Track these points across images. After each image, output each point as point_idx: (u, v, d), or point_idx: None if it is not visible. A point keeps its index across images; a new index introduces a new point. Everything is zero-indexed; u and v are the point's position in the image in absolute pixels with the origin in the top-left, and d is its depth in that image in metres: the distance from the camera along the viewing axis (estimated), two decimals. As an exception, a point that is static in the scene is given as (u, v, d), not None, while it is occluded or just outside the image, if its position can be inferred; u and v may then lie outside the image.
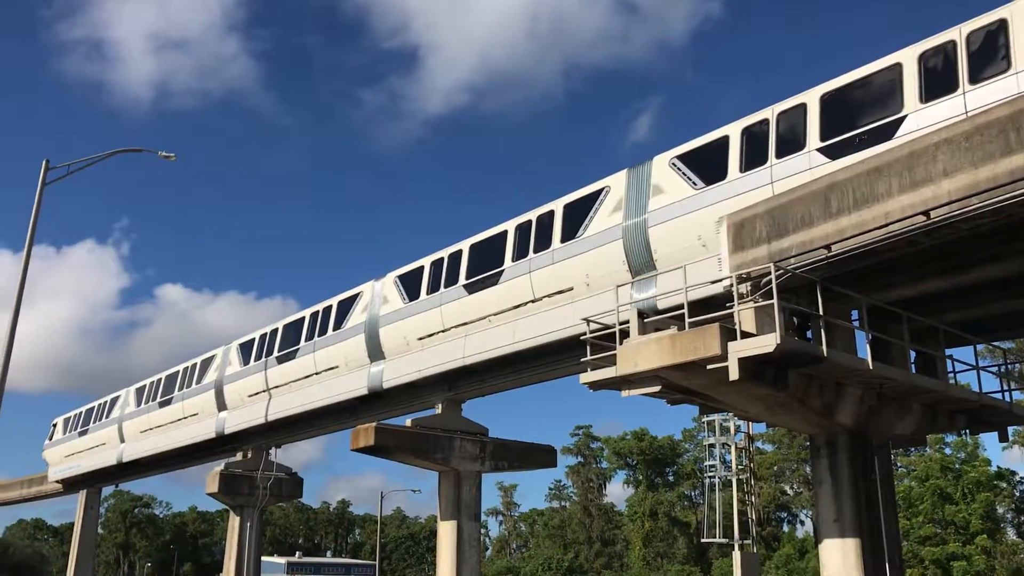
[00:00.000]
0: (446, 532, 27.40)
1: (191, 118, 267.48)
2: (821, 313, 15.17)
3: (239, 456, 38.55)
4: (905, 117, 16.40)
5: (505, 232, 24.98)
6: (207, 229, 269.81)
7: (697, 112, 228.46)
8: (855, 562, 16.06)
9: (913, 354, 17.59)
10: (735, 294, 15.20)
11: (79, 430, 50.44)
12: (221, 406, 37.53)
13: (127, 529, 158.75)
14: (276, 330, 34.75)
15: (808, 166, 17.57)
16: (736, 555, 24.86)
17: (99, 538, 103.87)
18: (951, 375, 18.61)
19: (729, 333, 14.47)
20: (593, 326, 17.38)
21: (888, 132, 16.49)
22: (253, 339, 36.29)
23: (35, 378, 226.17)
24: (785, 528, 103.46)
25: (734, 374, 14.14)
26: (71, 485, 53.37)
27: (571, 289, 22.66)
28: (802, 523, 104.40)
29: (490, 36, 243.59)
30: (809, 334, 16.50)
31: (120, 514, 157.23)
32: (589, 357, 16.81)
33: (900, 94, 16.61)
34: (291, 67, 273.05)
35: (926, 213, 13.38)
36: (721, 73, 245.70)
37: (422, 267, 27.91)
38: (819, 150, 17.63)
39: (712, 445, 27.73)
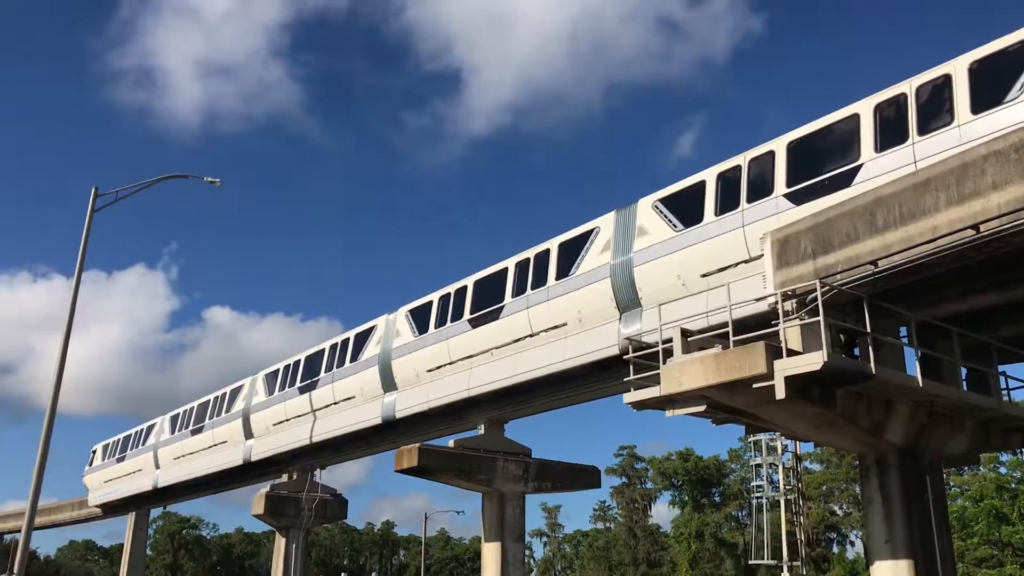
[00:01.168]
0: (490, 553, 27.29)
1: (237, 143, 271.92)
2: (868, 330, 14.92)
3: (284, 478, 38.85)
4: (862, 165, 17.35)
5: (506, 269, 26.11)
6: (253, 252, 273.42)
7: (740, 129, 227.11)
8: (908, 584, 15.69)
9: (964, 371, 17.22)
10: (780, 311, 15.01)
11: (117, 456, 52.30)
12: (248, 434, 39.04)
13: (175, 550, 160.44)
14: (298, 361, 36.08)
15: (775, 211, 18.58)
16: (785, 577, 24.42)
17: (147, 559, 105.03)
18: (1005, 392, 18.19)
19: (775, 351, 14.27)
20: (635, 345, 17.26)
21: (847, 179, 17.45)
22: (277, 370, 37.63)
23: (86, 401, 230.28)
24: (835, 549, 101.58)
25: (780, 393, 13.94)
26: (110, 509, 55.34)
27: (565, 325, 23.82)
28: (852, 544, 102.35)
29: (531, 56, 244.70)
30: (856, 351, 16.26)
31: (168, 535, 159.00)
32: (632, 377, 16.69)
33: (858, 143, 17.55)
34: (335, 91, 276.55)
35: (975, 227, 13.14)
36: (763, 89, 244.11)
37: (431, 302, 29.10)
38: (785, 195, 18.59)
39: (759, 465, 27.28)
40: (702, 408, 15.68)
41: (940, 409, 16.71)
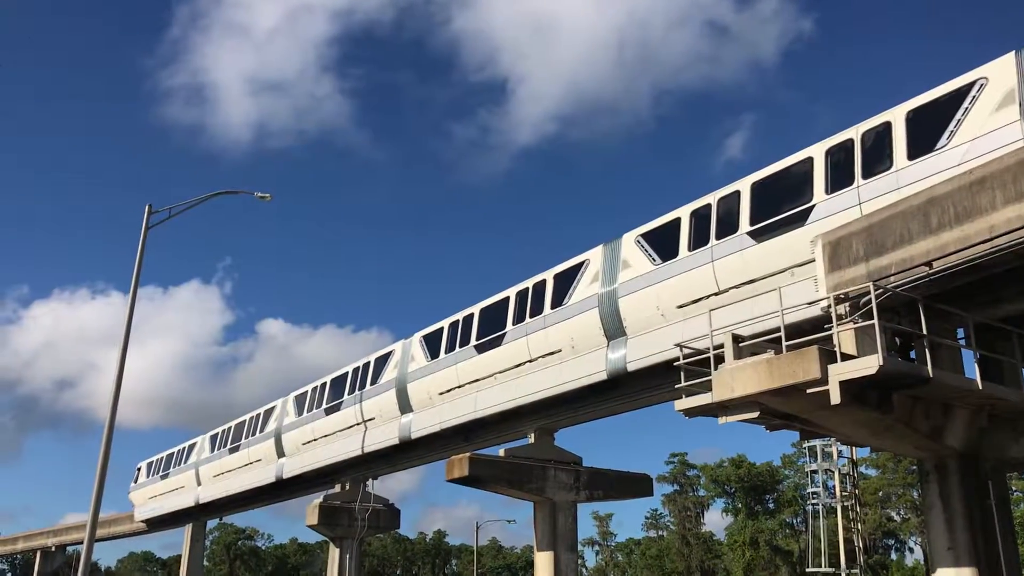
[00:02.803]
0: (543, 563, 27.21)
1: (288, 158, 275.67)
2: (924, 332, 14.64)
3: (337, 488, 39.17)
4: (814, 206, 18.57)
5: (508, 298, 27.67)
6: (305, 265, 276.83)
7: (790, 131, 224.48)
8: (972, 593, 15.32)
9: (1026, 372, 16.81)
10: (833, 315, 14.78)
11: (160, 474, 54.20)
12: (280, 453, 40.84)
13: (231, 561, 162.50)
14: (325, 384, 37.84)
15: (740, 247, 20.06)
16: (843, 585, 23.99)
17: (205, 570, 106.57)
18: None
19: (829, 356, 14.05)
20: (687, 351, 17.13)
21: (801, 218, 18.73)
22: (306, 392, 39.37)
23: (144, 414, 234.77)
24: (893, 556, 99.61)
25: (836, 398, 13.72)
26: (154, 524, 57.58)
27: (560, 351, 25.35)
28: (911, 550, 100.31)
29: (577, 65, 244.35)
30: (912, 354, 15.95)
31: (224, 546, 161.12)
32: (683, 383, 16.56)
33: (811, 185, 18.78)
34: (382, 104, 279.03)
35: (1034, 225, 12.83)
36: (814, 90, 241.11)
37: (442, 328, 30.75)
38: (748, 233, 19.92)
39: (814, 471, 26.86)
40: (755, 414, 15.48)
41: (1001, 412, 16.31)
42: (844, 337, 14.70)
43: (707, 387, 15.84)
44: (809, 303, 16.46)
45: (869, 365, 13.55)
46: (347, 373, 36.26)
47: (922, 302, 14.79)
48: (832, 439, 23.30)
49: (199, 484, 49.14)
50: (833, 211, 18.00)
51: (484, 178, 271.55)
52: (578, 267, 25.25)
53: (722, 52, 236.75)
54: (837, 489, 26.05)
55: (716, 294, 20.59)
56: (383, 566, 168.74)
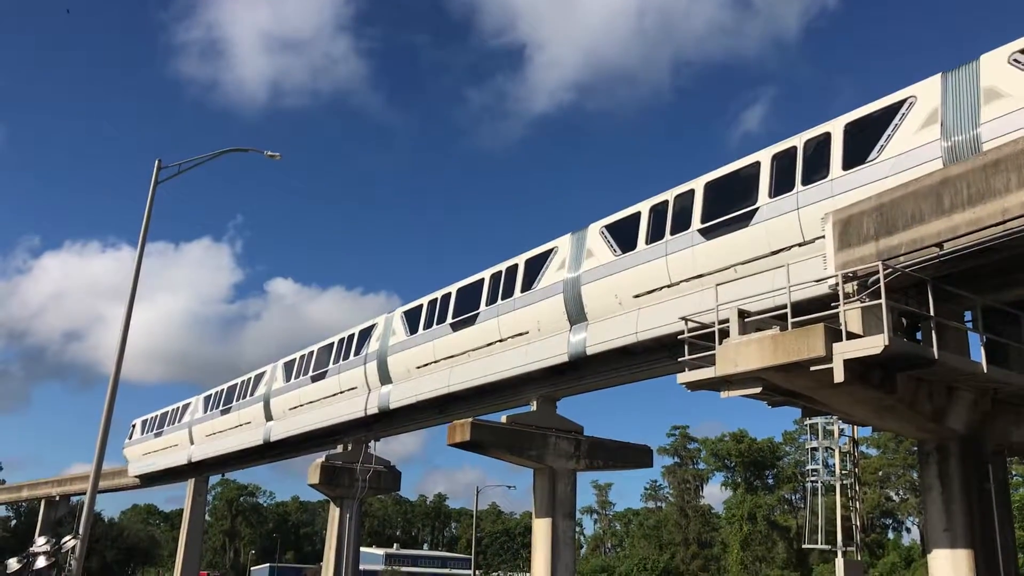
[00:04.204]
0: (541, 529, 27.40)
1: (302, 117, 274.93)
2: (932, 313, 14.56)
3: (339, 448, 39.41)
4: (759, 208, 19.39)
5: (482, 280, 28.76)
6: (316, 226, 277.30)
7: (809, 106, 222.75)
8: (967, 574, 15.35)
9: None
10: (840, 293, 14.71)
11: (155, 432, 55.69)
12: (268, 416, 42.12)
13: (233, 517, 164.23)
14: (312, 352, 39.00)
15: (690, 244, 21.02)
16: (839, 562, 24.07)
17: (206, 524, 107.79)
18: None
19: (834, 334, 13.99)
20: (692, 325, 17.08)
21: (747, 219, 19.59)
22: (294, 359, 40.66)
23: (150, 369, 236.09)
24: (890, 535, 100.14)
25: (839, 376, 13.66)
26: (147, 480, 59.33)
27: (527, 333, 26.46)
28: (908, 530, 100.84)
29: (596, 33, 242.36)
30: (919, 335, 15.89)
31: (226, 502, 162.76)
32: (687, 357, 16.53)
33: (757, 188, 19.61)
34: (398, 66, 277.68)
35: (1048, 209, 12.69)
36: (835, 67, 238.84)
37: (421, 305, 31.91)
38: (699, 231, 20.88)
39: (815, 449, 26.93)
40: (758, 390, 15.46)
41: (1005, 396, 16.27)
42: (850, 316, 14.62)
43: (712, 361, 15.80)
44: (817, 280, 16.39)
45: (875, 344, 13.48)
46: (333, 344, 37.60)
47: (931, 283, 14.69)
48: (834, 417, 23.31)
49: (192, 443, 50.59)
50: (775, 214, 18.93)
51: (498, 145, 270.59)
52: (547, 253, 26.26)
53: (745, 25, 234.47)
54: (837, 467, 26.13)
55: (668, 286, 21.75)
56: (383, 527, 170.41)
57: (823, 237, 17.25)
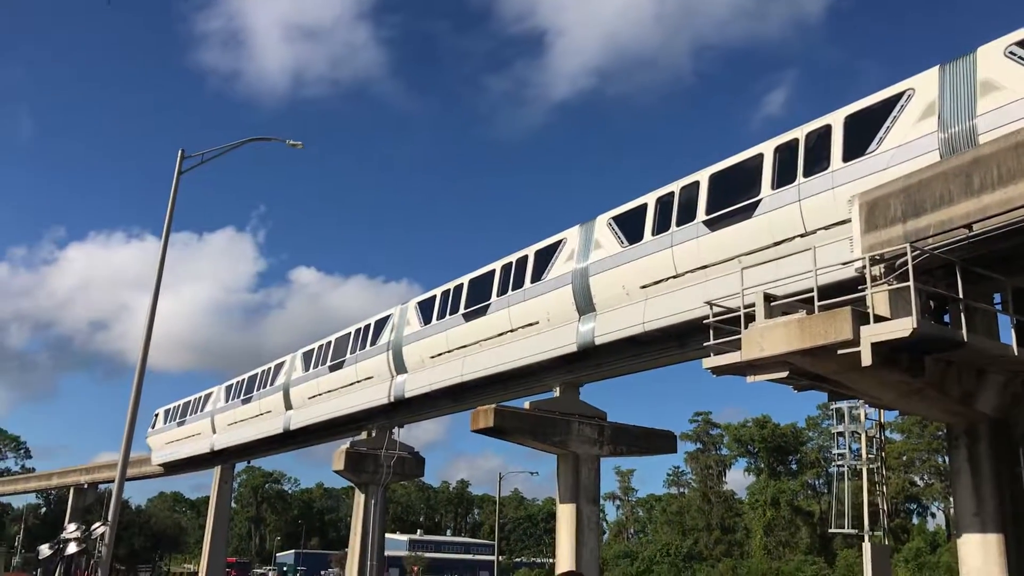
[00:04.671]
0: (565, 515, 27.44)
1: (323, 106, 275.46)
2: (960, 296, 14.39)
3: (364, 435, 39.60)
4: (761, 200, 19.60)
5: (493, 271, 29.17)
6: (338, 215, 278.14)
7: (833, 88, 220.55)
8: (997, 560, 15.20)
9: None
10: (867, 276, 14.56)
11: (177, 421, 56.51)
12: (288, 406, 42.68)
13: (258, 504, 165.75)
14: (330, 343, 39.56)
15: (696, 235, 21.27)
16: (866, 547, 23.94)
17: (232, 512, 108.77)
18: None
19: (861, 317, 13.85)
20: (716, 309, 16.98)
21: (750, 211, 19.83)
22: (313, 349, 41.23)
23: (175, 358, 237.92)
24: (915, 520, 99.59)
25: (867, 360, 13.53)
26: (170, 468, 60.19)
27: (537, 323, 26.83)
28: (933, 515, 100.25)
29: (617, 18, 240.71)
30: (946, 318, 15.72)
31: (252, 489, 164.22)
32: (712, 341, 16.44)
33: (760, 179, 19.80)
34: (418, 54, 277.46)
35: (1081, 189, 12.49)
36: (859, 49, 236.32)
37: (435, 296, 32.39)
38: (704, 222, 21.11)
39: (840, 433, 26.77)
40: (784, 374, 15.35)
41: (1036, 379, 16.08)
42: (878, 299, 14.48)
43: (737, 346, 15.70)
44: (843, 263, 16.23)
45: (903, 327, 13.35)
46: (349, 334, 38.23)
47: (959, 265, 14.51)
48: (860, 401, 23.16)
49: (214, 432, 51.32)
50: (777, 205, 19.16)
51: (519, 132, 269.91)
52: (556, 245, 26.61)
53: (768, 8, 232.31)
54: (863, 451, 25.96)
55: (674, 277, 22.02)
56: (407, 513, 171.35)
57: (825, 228, 18.10)
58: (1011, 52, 15.55)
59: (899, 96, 17.42)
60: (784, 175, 19.27)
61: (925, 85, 16.96)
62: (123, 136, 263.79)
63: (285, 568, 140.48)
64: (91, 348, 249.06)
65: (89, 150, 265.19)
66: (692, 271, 21.55)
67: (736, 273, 18.55)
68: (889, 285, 14.58)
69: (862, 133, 17.82)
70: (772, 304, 15.42)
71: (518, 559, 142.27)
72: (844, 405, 26.61)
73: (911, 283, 13.61)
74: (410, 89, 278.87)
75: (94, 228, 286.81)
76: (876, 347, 13.55)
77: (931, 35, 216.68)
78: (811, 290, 14.93)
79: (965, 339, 14.11)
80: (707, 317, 16.64)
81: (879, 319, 13.86)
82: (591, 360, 26.41)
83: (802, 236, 18.68)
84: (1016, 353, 14.84)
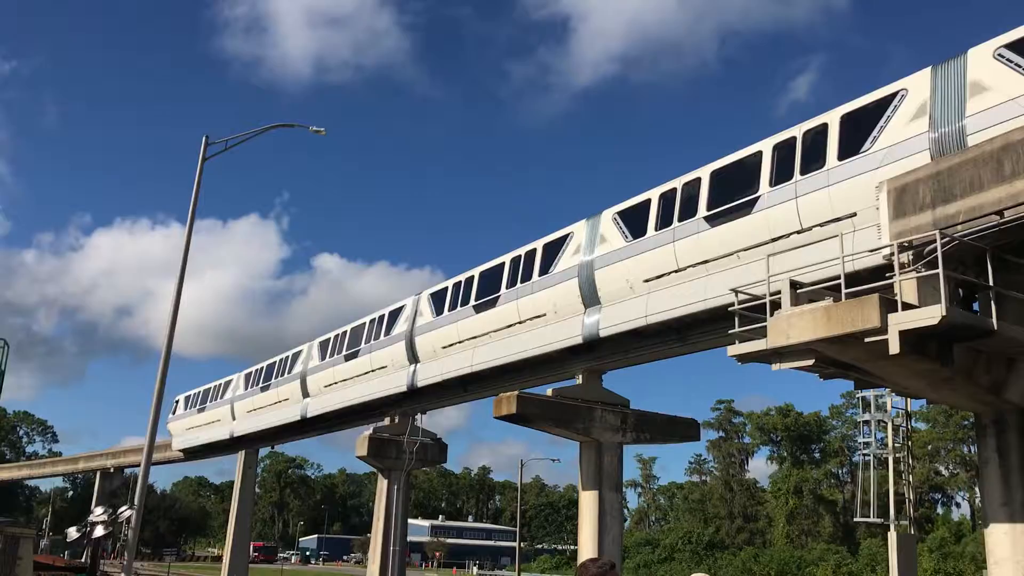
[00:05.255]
0: (588, 502, 27.43)
1: (346, 93, 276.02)
2: (991, 283, 14.20)
3: (387, 421, 39.79)
4: (760, 196, 19.94)
5: (503, 264, 29.66)
6: (362, 202, 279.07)
7: (860, 73, 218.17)
8: (1026, 549, 15.07)
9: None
10: (896, 263, 14.39)
11: (198, 407, 57.52)
12: (305, 393, 43.34)
13: (281, 489, 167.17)
14: (345, 332, 40.33)
15: (696, 231, 21.66)
16: (892, 536, 23.78)
17: (256, 496, 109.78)
18: None
19: (889, 304, 13.71)
20: (742, 297, 16.86)
21: (748, 208, 20.19)
22: (329, 338, 41.98)
23: (200, 343, 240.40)
24: (939, 510, 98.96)
25: (895, 348, 13.40)
26: (191, 454, 61.27)
27: (544, 315, 27.22)
28: (958, 505, 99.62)
29: (641, 3, 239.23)
30: (975, 306, 15.54)
31: (275, 474, 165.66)
32: (737, 329, 16.34)
33: (758, 177, 20.14)
34: (441, 40, 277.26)
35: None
36: (886, 34, 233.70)
37: (447, 287, 33.05)
38: (704, 218, 21.49)
39: (866, 422, 26.57)
40: (810, 362, 15.22)
41: (1066, 368, 15.86)
42: (906, 286, 14.33)
43: (763, 333, 15.59)
44: (871, 251, 16.07)
45: (932, 315, 13.20)
46: (364, 324, 38.95)
47: (990, 252, 14.32)
48: (886, 390, 22.98)
49: (234, 419, 52.21)
50: (775, 202, 19.50)
51: (542, 119, 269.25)
52: (564, 238, 27.02)
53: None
54: (890, 440, 25.75)
55: (676, 271, 22.42)
56: (428, 499, 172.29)
57: (820, 225, 18.46)
58: (1000, 55, 15.78)
59: (893, 96, 17.74)
60: (782, 173, 19.66)
61: (918, 85, 17.27)
62: (148, 123, 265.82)
63: (308, 552, 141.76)
64: (116, 334, 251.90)
65: (114, 137, 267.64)
66: (693, 265, 21.98)
67: (735, 268, 20.23)
68: (917, 272, 14.41)
69: (857, 132, 18.15)
70: (798, 292, 15.30)
71: (539, 545, 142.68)
72: (870, 393, 26.40)
73: (940, 270, 13.44)
74: (433, 75, 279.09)
75: (120, 215, 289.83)
76: (904, 335, 13.41)
77: (957, 20, 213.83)
78: (836, 277, 14.83)
79: (995, 327, 13.94)
80: (709, 310, 17.73)
81: (907, 307, 13.71)
82: (596, 352, 26.82)
83: (799, 232, 19.05)
84: (1047, 342, 14.64)
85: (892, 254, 14.65)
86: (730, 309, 16.73)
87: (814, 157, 18.92)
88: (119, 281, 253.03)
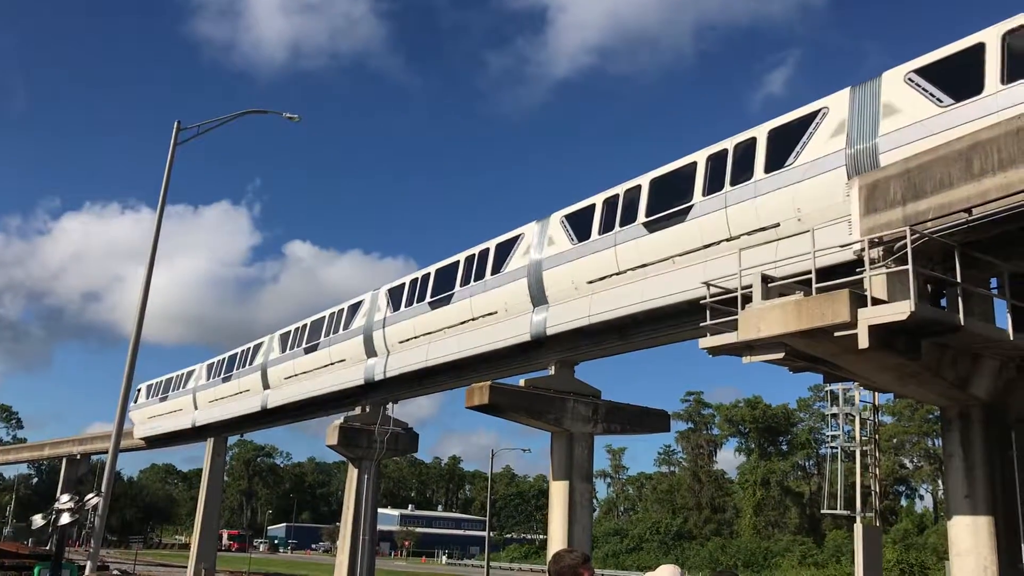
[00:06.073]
0: (558, 492, 27.55)
1: (321, 79, 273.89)
2: (959, 280, 14.42)
3: (357, 410, 39.67)
4: (694, 205, 20.94)
5: (458, 262, 30.51)
6: (335, 189, 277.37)
7: (835, 68, 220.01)
8: (987, 542, 15.33)
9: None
10: (866, 259, 14.57)
11: (159, 397, 58.18)
12: (266, 385, 44.15)
13: (250, 477, 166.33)
14: (306, 325, 41.20)
15: (636, 236, 22.64)
16: (858, 528, 24.12)
17: (224, 484, 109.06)
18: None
19: (859, 299, 13.87)
20: (714, 290, 16.99)
21: (683, 215, 21.20)
22: (289, 331, 42.95)
23: (169, 330, 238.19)
24: (903, 502, 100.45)
25: (864, 342, 13.56)
26: (152, 442, 61.76)
27: (496, 313, 28.10)
28: (921, 498, 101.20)
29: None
30: (943, 302, 15.76)
31: (244, 462, 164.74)
32: (709, 322, 16.46)
33: (693, 186, 21.09)
34: (418, 28, 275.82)
35: (1081, 175, 12.47)
36: (862, 30, 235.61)
37: (404, 283, 33.95)
38: (643, 224, 22.47)
39: (834, 415, 26.90)
40: (780, 355, 15.35)
41: (1030, 364, 16.13)
42: (876, 282, 14.49)
43: (734, 326, 15.71)
44: (842, 246, 16.28)
45: (900, 310, 13.37)
46: (323, 318, 39.84)
47: (958, 249, 14.52)
48: (854, 384, 23.30)
49: (196, 408, 52.92)
50: (707, 211, 20.48)
51: (519, 110, 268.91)
52: (515, 239, 27.91)
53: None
54: (857, 434, 26.09)
55: (617, 274, 23.41)
56: (398, 488, 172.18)
57: (748, 233, 19.42)
58: (910, 79, 16.72)
59: (815, 113, 18.59)
60: (714, 183, 20.57)
61: (838, 104, 18.13)
62: (119, 106, 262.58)
63: (276, 541, 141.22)
64: (84, 319, 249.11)
65: (85, 120, 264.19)
66: (633, 269, 23.00)
67: (671, 272, 21.60)
68: (888, 268, 14.59)
69: (783, 146, 19.01)
70: (770, 285, 15.43)
71: (509, 535, 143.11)
72: (838, 387, 26.71)
73: (910, 266, 13.61)
74: (409, 63, 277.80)
75: (89, 198, 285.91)
76: (873, 329, 13.57)
77: (933, 18, 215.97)
78: (804, 272, 14.99)
79: (962, 323, 14.14)
80: (647, 311, 19.34)
81: (877, 302, 13.88)
82: (544, 349, 27.73)
83: (728, 240, 19.95)
84: (1012, 338, 14.89)
85: (863, 250, 14.83)
86: (702, 302, 16.85)
87: (744, 169, 19.81)
88: (88, 266, 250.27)
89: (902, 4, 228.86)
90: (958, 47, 16.19)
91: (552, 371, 28.08)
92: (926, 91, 16.32)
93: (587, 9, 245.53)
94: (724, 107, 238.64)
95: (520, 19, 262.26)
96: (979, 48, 15.69)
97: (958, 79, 15.94)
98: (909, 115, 16.42)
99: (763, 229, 19.07)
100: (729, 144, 20.56)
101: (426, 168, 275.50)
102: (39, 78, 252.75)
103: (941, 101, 16.02)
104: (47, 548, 36.10)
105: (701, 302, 17.11)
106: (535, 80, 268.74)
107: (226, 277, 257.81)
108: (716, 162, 20.77)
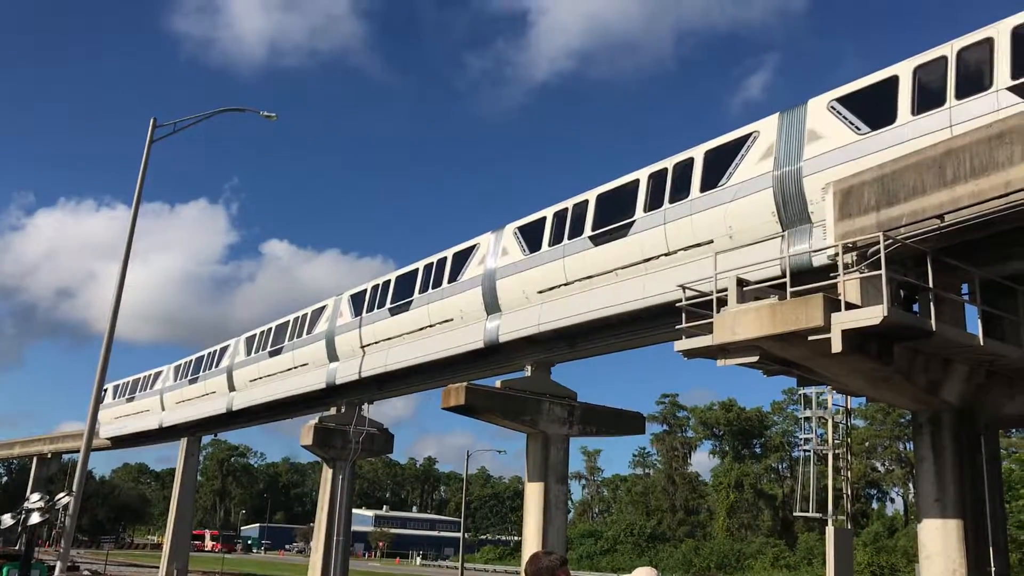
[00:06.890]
0: (533, 493, 27.58)
1: (300, 77, 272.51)
2: (931, 285, 14.57)
3: (333, 410, 39.53)
4: (635, 221, 21.87)
5: (417, 270, 31.42)
6: (312, 188, 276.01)
7: (814, 73, 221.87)
8: (956, 544, 15.49)
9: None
10: (840, 264, 14.70)
11: (127, 397, 58.30)
12: (231, 387, 44.76)
13: (223, 477, 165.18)
14: (270, 330, 41.99)
15: (582, 249, 23.57)
16: (830, 531, 24.33)
17: (198, 484, 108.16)
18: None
19: (833, 304, 14.00)
20: (689, 293, 17.06)
21: (626, 230, 22.09)
22: (255, 335, 43.68)
23: (143, 329, 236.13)
24: (875, 505, 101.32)
25: (837, 346, 13.68)
26: (118, 442, 61.54)
27: (452, 320, 28.97)
28: (892, 501, 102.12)
29: (600, 0, 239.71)
30: (916, 307, 15.92)
31: (217, 462, 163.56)
32: (684, 324, 16.53)
33: (635, 202, 22.05)
34: (398, 28, 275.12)
35: (1052, 183, 12.65)
36: (841, 35, 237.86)
37: (365, 290, 34.80)
38: (590, 237, 23.41)
39: (808, 418, 27.16)
40: (755, 359, 15.45)
41: (1000, 369, 16.32)
42: (849, 287, 14.62)
43: (709, 329, 15.79)
44: (815, 251, 16.48)
45: (873, 315, 13.49)
46: (288, 322, 40.61)
47: (931, 255, 14.68)
48: (827, 388, 23.54)
49: (163, 409, 53.11)
50: (648, 227, 21.43)
51: (497, 112, 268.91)
52: (471, 249, 28.81)
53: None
54: (829, 437, 26.34)
55: (565, 284, 24.32)
56: (373, 489, 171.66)
57: (684, 249, 20.45)
58: (832, 107, 17.62)
59: (747, 137, 19.51)
60: (655, 200, 21.55)
61: (768, 129, 19.01)
62: (95, 102, 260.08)
63: (250, 541, 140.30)
64: (57, 316, 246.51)
65: (60, 115, 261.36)
66: (580, 280, 23.90)
67: (614, 284, 22.51)
68: (861, 273, 14.72)
69: (717, 167, 19.96)
70: (745, 289, 15.53)
71: (483, 536, 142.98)
72: (811, 391, 26.96)
73: (883, 272, 13.75)
74: (389, 63, 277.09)
75: (64, 195, 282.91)
76: (846, 334, 13.69)
77: (909, 26, 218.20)
78: (791, 275, 15.10)
79: (934, 328, 14.29)
80: (591, 320, 21.02)
81: (850, 306, 14.00)
82: (498, 356, 28.61)
83: (666, 255, 20.95)
84: (982, 343, 15.06)
85: (837, 254, 14.96)
86: (678, 305, 16.94)
87: (681, 187, 20.77)
88: (61, 263, 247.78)
89: (878, 9, 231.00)
90: (875, 78, 17.11)
91: (528, 372, 28.12)
92: (846, 119, 17.26)
93: (568, 12, 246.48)
94: (704, 112, 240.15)
95: (501, 21, 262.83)
96: (893, 80, 16.62)
97: (874, 109, 16.93)
98: (831, 141, 17.36)
99: (698, 245, 20.01)
100: (669, 163, 21.44)
101: (404, 167, 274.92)
102: (12, 72, 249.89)
103: (859, 129, 16.98)
104: (16, 548, 35.69)
105: (676, 305, 17.19)
106: (515, 82, 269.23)
107: (201, 276, 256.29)
108: (657, 180, 21.67)
